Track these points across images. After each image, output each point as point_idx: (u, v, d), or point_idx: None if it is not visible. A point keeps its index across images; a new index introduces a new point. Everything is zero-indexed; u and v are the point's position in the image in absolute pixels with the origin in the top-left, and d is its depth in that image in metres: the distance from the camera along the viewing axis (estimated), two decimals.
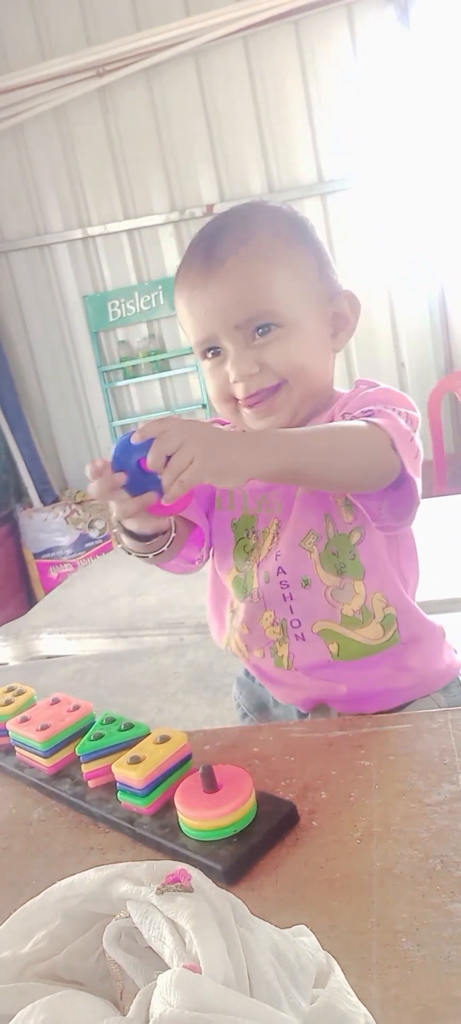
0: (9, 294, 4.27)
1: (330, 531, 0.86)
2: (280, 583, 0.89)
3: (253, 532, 0.92)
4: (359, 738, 0.74)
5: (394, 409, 0.81)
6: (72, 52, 3.71)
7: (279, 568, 0.89)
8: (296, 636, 0.90)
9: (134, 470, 0.69)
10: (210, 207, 3.93)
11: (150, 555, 0.84)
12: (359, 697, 0.88)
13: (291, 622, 0.90)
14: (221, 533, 0.96)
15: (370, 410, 0.80)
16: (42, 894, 0.50)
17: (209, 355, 0.88)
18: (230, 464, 0.69)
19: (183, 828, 0.65)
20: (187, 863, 0.60)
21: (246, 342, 0.84)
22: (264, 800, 0.65)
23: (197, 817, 0.63)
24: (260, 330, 0.83)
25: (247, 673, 1.03)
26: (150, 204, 4.06)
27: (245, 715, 1.04)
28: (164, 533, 0.84)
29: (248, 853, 0.61)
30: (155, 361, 4.19)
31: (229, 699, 1.16)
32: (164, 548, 0.84)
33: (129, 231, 4.11)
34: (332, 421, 0.85)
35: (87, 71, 3.75)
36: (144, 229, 4.09)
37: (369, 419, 0.78)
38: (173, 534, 0.85)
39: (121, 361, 4.26)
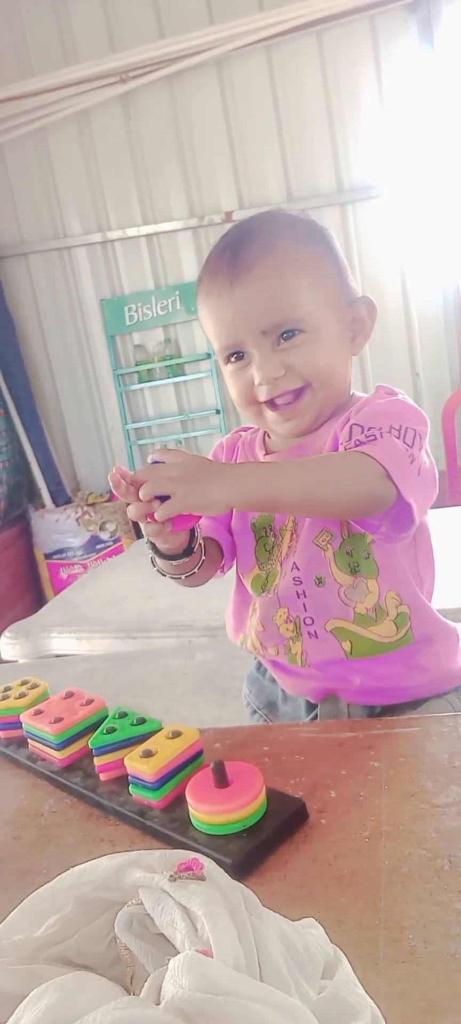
0: (27, 296, 4.30)
1: (345, 530, 0.88)
2: (293, 579, 0.91)
3: (271, 530, 0.94)
4: (369, 739, 0.75)
5: (400, 428, 0.81)
6: (95, 58, 3.74)
7: (293, 564, 0.91)
8: (309, 633, 0.91)
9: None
10: (229, 214, 3.95)
11: (182, 576, 0.90)
12: (371, 691, 0.90)
13: (304, 619, 0.91)
14: (242, 534, 0.98)
15: (372, 433, 0.81)
16: (55, 880, 0.51)
17: (233, 359, 0.89)
18: (207, 497, 0.73)
19: (193, 822, 0.65)
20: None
21: (272, 346, 0.86)
22: (274, 797, 0.66)
23: (208, 811, 0.64)
24: (285, 335, 0.86)
25: (258, 668, 1.05)
26: (169, 210, 4.08)
27: (254, 712, 1.05)
28: (194, 554, 0.87)
29: (257, 848, 0.62)
30: (170, 366, 4.21)
31: (237, 702, 1.16)
32: (195, 570, 0.89)
33: (148, 236, 4.14)
34: (348, 423, 0.86)
35: (110, 77, 3.77)
36: (163, 234, 4.11)
37: (362, 448, 0.79)
38: (203, 557, 0.89)
39: (136, 365, 4.28)
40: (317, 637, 0.90)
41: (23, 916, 0.50)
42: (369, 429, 0.82)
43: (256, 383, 0.88)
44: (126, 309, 4.21)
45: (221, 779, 0.64)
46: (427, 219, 3.76)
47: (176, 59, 3.70)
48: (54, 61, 3.84)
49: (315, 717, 0.94)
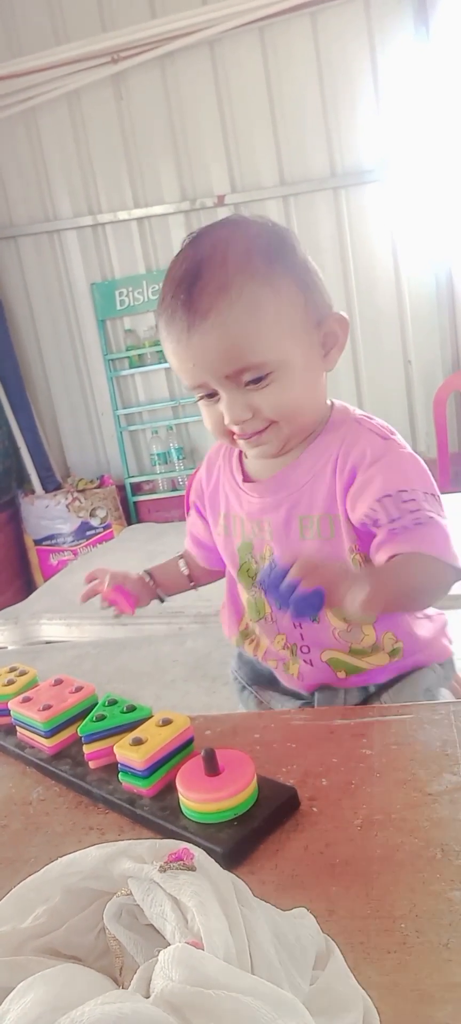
0: (17, 279, 4.26)
1: None
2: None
3: (253, 557, 0.97)
4: (361, 727, 0.75)
5: (427, 496, 0.82)
6: (86, 37, 3.70)
7: None
8: (305, 660, 0.95)
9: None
10: (221, 197, 3.92)
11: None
12: (361, 680, 0.94)
13: (301, 647, 0.95)
14: (229, 556, 1.01)
15: (417, 518, 0.81)
16: (42, 870, 0.50)
17: (203, 397, 0.88)
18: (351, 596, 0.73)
19: (184, 810, 0.65)
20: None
21: (237, 387, 0.84)
22: (265, 785, 0.65)
23: (198, 799, 0.63)
24: (250, 381, 0.83)
25: None
26: (161, 193, 4.04)
27: (243, 688, 1.06)
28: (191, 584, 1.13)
29: (248, 837, 0.61)
30: (161, 351, 4.17)
31: (227, 688, 1.16)
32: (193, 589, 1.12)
33: (139, 219, 4.10)
34: (370, 491, 0.85)
35: (101, 57, 3.73)
36: (154, 218, 4.08)
37: (420, 548, 0.79)
38: (191, 584, 1.13)
39: (127, 350, 4.25)
40: (313, 665, 0.94)
41: (10, 907, 0.49)
42: (412, 511, 0.81)
43: (225, 423, 0.87)
44: (117, 293, 4.18)
45: (212, 767, 0.64)
46: (420, 205, 3.75)
47: (168, 39, 3.67)
48: (44, 40, 3.79)
49: (310, 701, 0.96)
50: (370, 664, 0.92)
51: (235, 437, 0.89)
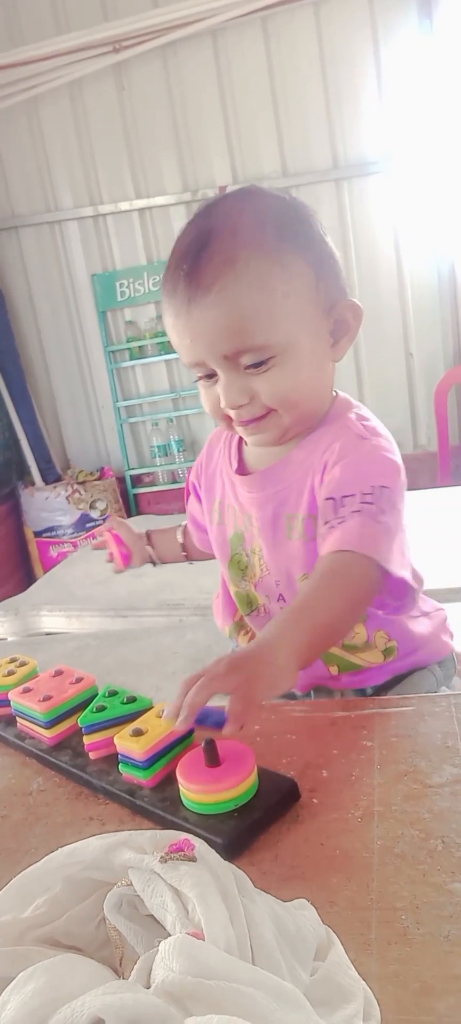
0: (17, 269, 4.25)
1: None
2: (281, 608, 0.91)
3: (243, 550, 0.95)
4: (361, 719, 0.74)
5: (373, 492, 0.77)
6: (88, 27, 3.67)
7: (280, 595, 0.91)
8: None
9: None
10: (222, 188, 3.90)
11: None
12: (357, 682, 0.92)
13: None
14: (220, 546, 0.99)
15: (342, 516, 0.77)
16: (43, 860, 0.50)
17: (201, 376, 0.84)
18: (278, 676, 0.67)
19: (184, 801, 0.65)
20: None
21: (236, 369, 0.80)
22: (266, 776, 0.65)
23: (199, 791, 0.63)
24: (251, 364, 0.79)
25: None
26: (162, 184, 4.03)
27: None
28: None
29: (249, 828, 0.61)
30: (162, 343, 4.17)
31: None
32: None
33: (140, 210, 4.08)
34: (329, 442, 0.83)
35: (103, 47, 3.70)
36: (155, 209, 4.06)
37: (343, 546, 0.74)
38: (183, 553, 1.13)
39: (128, 341, 4.24)
40: None
41: (10, 897, 0.49)
42: (342, 507, 0.77)
43: (221, 406, 0.83)
44: (118, 284, 4.17)
45: (212, 758, 0.63)
46: (423, 198, 3.73)
47: (170, 29, 3.64)
48: (46, 29, 3.76)
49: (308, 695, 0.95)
50: (364, 660, 0.90)
51: (233, 423, 0.86)
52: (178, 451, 4.29)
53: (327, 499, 0.80)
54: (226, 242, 0.77)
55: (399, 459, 0.84)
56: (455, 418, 3.93)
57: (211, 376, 0.83)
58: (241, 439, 0.96)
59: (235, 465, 0.96)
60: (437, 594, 1.04)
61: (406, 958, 0.48)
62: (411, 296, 3.90)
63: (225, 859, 0.57)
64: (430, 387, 3.87)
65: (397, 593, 0.81)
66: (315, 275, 0.81)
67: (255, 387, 0.81)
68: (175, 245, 0.82)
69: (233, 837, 0.60)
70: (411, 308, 3.91)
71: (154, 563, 1.14)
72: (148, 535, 1.13)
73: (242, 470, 0.95)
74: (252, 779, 0.64)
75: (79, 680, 0.85)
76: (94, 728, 0.76)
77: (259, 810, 0.62)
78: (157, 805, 0.66)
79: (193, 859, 0.44)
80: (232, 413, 0.83)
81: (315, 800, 0.64)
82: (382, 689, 0.92)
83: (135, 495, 4.43)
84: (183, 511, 1.19)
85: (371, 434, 0.85)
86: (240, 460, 0.96)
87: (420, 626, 0.94)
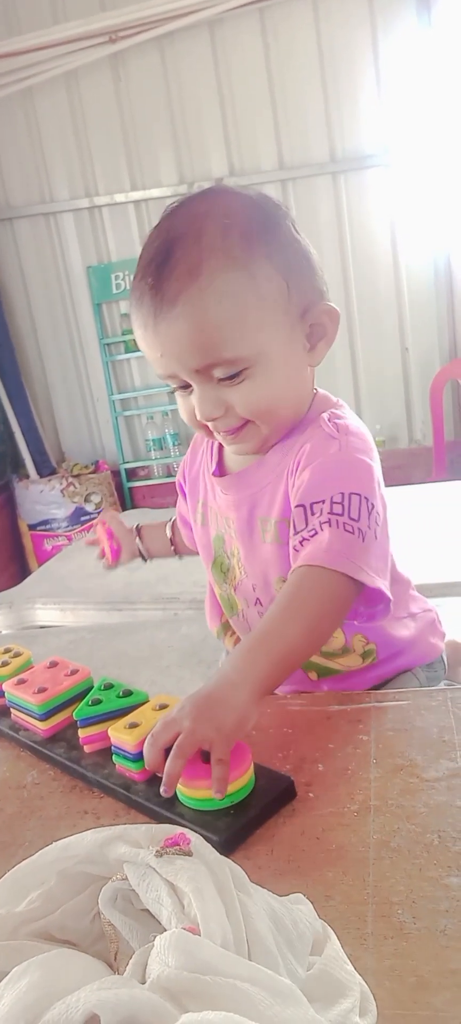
0: (12, 261, 4.23)
1: None
2: (258, 613, 0.90)
3: (224, 552, 0.94)
4: (357, 713, 0.74)
5: (342, 501, 0.74)
6: (85, 17, 3.65)
7: (257, 599, 0.90)
8: None
9: None
10: (219, 181, 3.89)
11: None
12: (337, 689, 0.90)
13: None
14: (204, 547, 0.98)
15: (313, 528, 0.73)
16: (37, 854, 0.50)
17: (175, 387, 0.82)
18: (242, 716, 0.65)
19: (180, 797, 0.64)
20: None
21: (209, 381, 0.78)
22: (262, 773, 0.65)
23: (195, 787, 0.62)
24: (223, 379, 0.77)
25: None
26: (158, 176, 4.01)
27: None
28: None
29: (245, 826, 0.61)
30: None
31: None
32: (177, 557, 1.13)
33: (136, 202, 4.07)
34: (296, 488, 0.80)
35: (99, 36, 3.69)
36: (151, 201, 4.05)
37: (311, 560, 0.71)
38: (172, 548, 1.13)
39: (123, 334, 4.22)
40: None
41: (4, 890, 0.48)
42: (313, 516, 0.74)
43: (197, 417, 0.81)
44: (113, 277, 4.15)
45: (209, 754, 0.63)
46: (420, 192, 3.73)
47: (167, 19, 3.62)
48: (42, 19, 3.74)
49: None
50: (342, 665, 0.88)
51: (211, 432, 0.84)
52: (173, 444, 4.28)
53: (297, 506, 0.77)
54: (189, 251, 0.73)
55: (372, 457, 0.81)
56: (450, 413, 3.94)
57: (186, 387, 0.80)
58: (220, 448, 0.95)
59: (213, 467, 0.94)
60: (431, 589, 1.03)
61: (402, 952, 0.47)
62: (407, 290, 3.90)
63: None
64: (426, 382, 3.87)
65: (370, 600, 0.77)
66: (285, 280, 0.77)
67: (229, 399, 0.78)
68: (141, 253, 0.78)
69: (229, 835, 0.59)
70: (407, 302, 3.92)
71: (144, 558, 1.14)
72: (138, 529, 1.13)
73: (221, 471, 0.94)
74: (249, 776, 0.63)
75: (74, 672, 0.84)
76: (89, 721, 0.76)
77: (255, 807, 0.62)
78: (152, 800, 0.66)
79: (189, 853, 0.44)
80: (209, 424, 0.81)
81: (311, 794, 0.64)
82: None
83: (130, 488, 4.43)
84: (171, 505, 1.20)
85: (342, 433, 0.81)
86: (220, 461, 0.95)
87: (404, 629, 0.91)
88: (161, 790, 0.61)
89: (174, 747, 0.61)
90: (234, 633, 0.99)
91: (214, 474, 0.93)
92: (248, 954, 0.39)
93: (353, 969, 0.44)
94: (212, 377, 0.77)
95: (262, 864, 0.57)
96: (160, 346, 0.76)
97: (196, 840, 0.45)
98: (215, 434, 0.84)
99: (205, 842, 0.46)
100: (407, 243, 3.83)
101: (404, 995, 0.45)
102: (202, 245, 0.73)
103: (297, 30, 3.67)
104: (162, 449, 4.31)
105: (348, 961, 0.44)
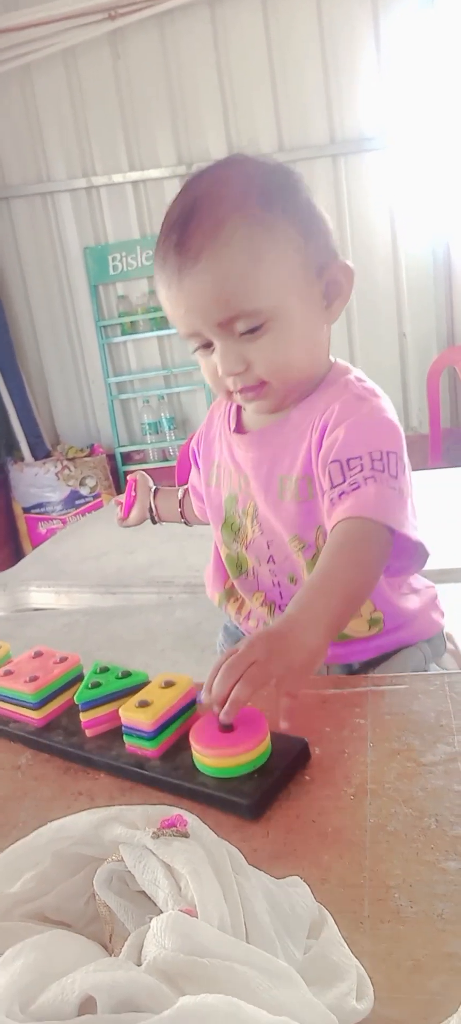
0: (8, 241, 4.19)
1: (320, 543, 0.87)
2: (270, 570, 0.93)
3: (236, 511, 0.95)
4: (354, 696, 0.74)
5: (382, 458, 0.78)
6: None
7: (270, 557, 0.92)
8: None
9: None
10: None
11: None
12: (344, 656, 0.92)
13: (279, 606, 0.93)
14: (214, 509, 1.00)
15: (355, 481, 0.77)
16: (32, 835, 0.49)
17: (198, 347, 0.85)
18: (314, 655, 0.67)
19: (200, 767, 0.65)
20: (209, 801, 0.61)
21: (231, 336, 0.81)
22: (277, 739, 0.66)
23: (217, 755, 0.63)
24: (245, 332, 0.80)
25: None
26: (157, 156, 3.97)
27: None
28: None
29: (270, 788, 0.62)
30: (154, 319, 4.14)
31: (216, 658, 1.16)
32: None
33: (134, 183, 4.03)
34: (327, 448, 0.82)
35: (98, 13, 3.64)
36: (149, 181, 4.01)
37: (355, 513, 0.75)
38: (183, 519, 1.15)
39: (120, 316, 4.20)
40: None
41: None
42: (351, 471, 0.78)
43: (219, 374, 0.84)
44: (110, 258, 4.12)
45: (226, 724, 0.63)
46: (419, 176, 3.71)
47: None
48: None
49: None
50: (349, 628, 0.89)
51: (231, 393, 0.87)
52: (169, 429, 4.26)
53: (333, 462, 0.80)
54: (212, 210, 0.78)
55: (398, 420, 0.85)
56: (447, 400, 3.93)
57: (208, 346, 0.84)
58: (238, 409, 0.98)
59: (233, 425, 0.97)
60: (427, 575, 1.03)
61: (399, 936, 0.47)
62: (406, 276, 3.88)
63: (251, 819, 0.59)
64: (423, 368, 3.86)
65: (403, 554, 0.81)
66: (303, 238, 0.81)
67: (250, 355, 0.82)
68: (165, 216, 0.83)
69: (257, 797, 0.60)
70: (405, 288, 3.90)
71: (154, 520, 1.18)
72: (155, 491, 1.18)
73: (240, 430, 0.97)
74: (267, 741, 0.64)
75: (63, 660, 0.84)
76: (91, 704, 0.75)
77: (277, 770, 0.63)
78: (171, 774, 0.66)
79: (186, 835, 0.43)
80: (229, 382, 0.84)
81: (307, 777, 0.64)
82: (369, 666, 0.91)
83: (125, 472, 4.41)
84: (172, 485, 1.22)
85: (370, 395, 0.86)
86: (239, 421, 0.98)
87: (408, 602, 0.94)
88: (222, 715, 0.62)
89: (245, 676, 0.62)
90: (237, 599, 1.00)
91: (234, 431, 0.96)
92: (246, 937, 0.39)
93: (350, 952, 0.44)
94: (234, 332, 0.80)
95: (257, 847, 0.57)
96: (184, 302, 0.80)
97: (193, 822, 0.45)
98: (234, 395, 0.87)
99: (202, 823, 0.45)
100: (406, 228, 3.81)
101: (400, 979, 0.45)
102: (224, 204, 0.78)
103: (298, 9, 3.63)
104: (158, 433, 4.30)
105: (345, 944, 0.44)
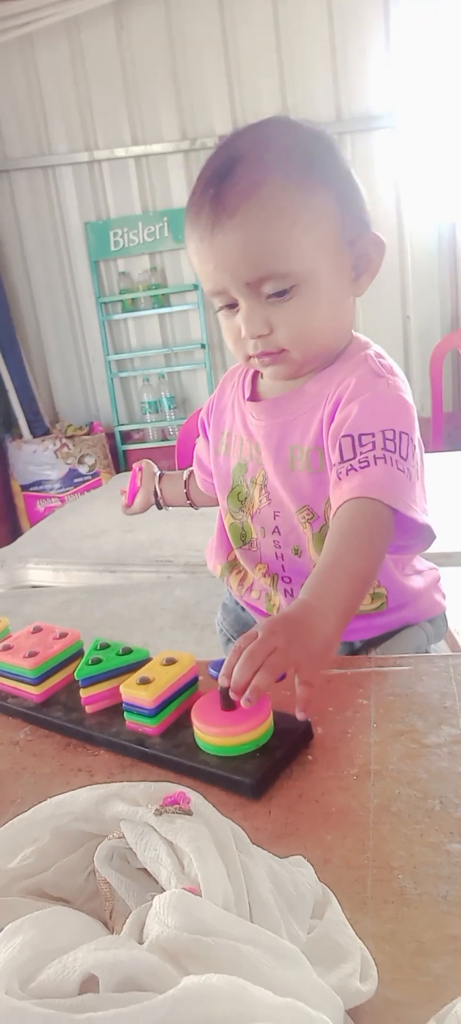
0: (9, 215, 4.14)
1: (329, 515, 0.86)
2: (274, 542, 0.92)
3: (244, 480, 0.95)
4: (358, 677, 0.73)
5: (394, 438, 0.77)
6: None
7: (275, 528, 0.92)
8: (285, 591, 0.93)
9: None
10: (222, 138, 3.81)
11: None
12: (346, 633, 0.89)
13: (282, 578, 0.93)
14: (222, 477, 0.99)
15: (365, 458, 0.76)
16: (31, 810, 0.49)
17: (222, 307, 0.84)
18: (330, 643, 0.67)
19: (202, 746, 0.64)
20: (211, 780, 0.61)
21: (258, 298, 0.80)
22: (279, 718, 0.65)
23: (220, 734, 0.63)
24: (273, 293, 0.79)
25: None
26: (160, 131, 3.92)
27: (228, 640, 1.06)
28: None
29: (272, 767, 0.61)
30: (156, 296, 4.11)
31: (215, 638, 1.16)
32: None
33: (136, 157, 3.98)
34: (339, 422, 0.82)
35: None
36: (152, 156, 3.96)
37: (362, 493, 0.74)
38: (190, 502, 1.15)
39: (120, 293, 4.16)
40: (293, 596, 0.91)
41: None
42: (362, 448, 0.77)
43: (242, 335, 0.83)
44: (111, 234, 4.08)
45: (229, 702, 0.63)
46: (427, 157, 3.67)
47: None
48: None
49: None
50: None
51: (250, 358, 0.86)
52: (169, 408, 4.24)
53: (345, 436, 0.79)
54: (253, 168, 0.77)
55: (412, 401, 0.84)
56: (450, 384, 3.91)
57: (232, 306, 0.83)
58: (254, 377, 0.97)
59: (248, 393, 0.96)
60: (429, 558, 1.03)
61: (403, 918, 0.47)
62: (411, 258, 3.85)
63: (253, 797, 0.58)
64: (426, 351, 3.84)
65: (407, 533, 0.80)
66: (340, 208, 0.81)
67: (275, 319, 0.81)
68: (201, 170, 0.82)
69: (260, 776, 0.60)
70: (410, 270, 3.87)
71: (159, 505, 1.17)
72: (160, 477, 1.17)
73: (254, 398, 0.96)
74: (270, 720, 0.64)
75: (63, 635, 0.83)
76: (92, 681, 0.74)
77: (280, 749, 0.62)
78: (172, 752, 0.66)
79: (189, 813, 0.43)
80: (250, 345, 0.83)
81: (310, 757, 0.63)
82: (372, 645, 0.91)
83: (124, 451, 4.39)
84: (172, 469, 1.21)
85: (387, 372, 0.84)
86: (253, 389, 0.97)
87: (412, 582, 0.94)
88: (243, 701, 0.61)
89: (266, 664, 0.61)
90: (240, 571, 1.00)
91: (249, 399, 0.95)
92: (250, 916, 0.38)
93: (354, 933, 0.43)
94: (261, 293, 0.79)
95: (259, 826, 0.57)
96: (214, 257, 0.79)
97: (196, 799, 0.44)
98: (253, 359, 0.86)
99: (206, 801, 0.45)
100: (411, 209, 3.77)
101: (404, 960, 0.44)
102: (265, 164, 0.77)
103: None
104: (157, 412, 4.27)
105: (349, 925, 0.44)
